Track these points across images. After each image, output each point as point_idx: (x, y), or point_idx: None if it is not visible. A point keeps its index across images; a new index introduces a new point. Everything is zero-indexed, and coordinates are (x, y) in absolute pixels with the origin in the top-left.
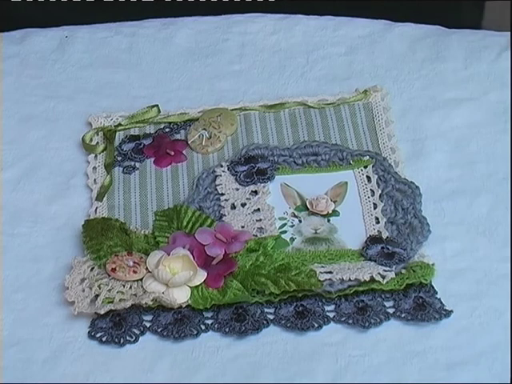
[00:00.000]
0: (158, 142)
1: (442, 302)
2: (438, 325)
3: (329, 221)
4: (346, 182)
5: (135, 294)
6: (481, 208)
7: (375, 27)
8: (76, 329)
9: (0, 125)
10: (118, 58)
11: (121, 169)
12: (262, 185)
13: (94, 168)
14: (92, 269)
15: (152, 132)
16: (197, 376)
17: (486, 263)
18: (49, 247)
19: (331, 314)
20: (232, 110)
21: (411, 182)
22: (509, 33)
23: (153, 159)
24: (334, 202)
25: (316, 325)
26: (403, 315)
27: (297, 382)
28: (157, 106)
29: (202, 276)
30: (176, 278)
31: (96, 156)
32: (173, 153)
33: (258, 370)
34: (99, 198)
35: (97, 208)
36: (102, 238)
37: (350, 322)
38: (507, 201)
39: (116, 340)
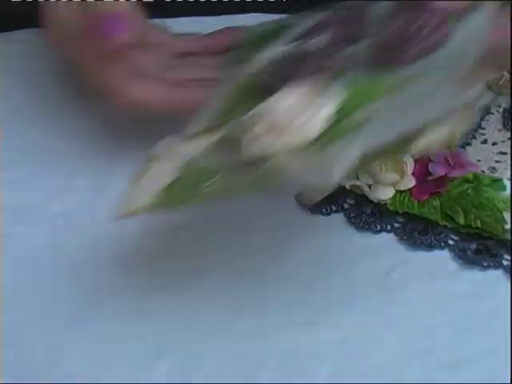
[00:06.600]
0: None
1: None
2: (438, 325)
3: None
4: None
5: None
6: None
7: None
8: (76, 329)
9: (0, 125)
10: None
11: None
12: None
13: None
14: None
15: None
16: (197, 376)
17: None
18: (49, 247)
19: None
20: None
21: None
22: None
23: None
24: None
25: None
26: None
27: (297, 382)
28: None
29: (410, 182)
30: (383, 176)
31: None
32: None
33: (258, 370)
34: None
35: None
36: None
37: None
38: None
39: None
